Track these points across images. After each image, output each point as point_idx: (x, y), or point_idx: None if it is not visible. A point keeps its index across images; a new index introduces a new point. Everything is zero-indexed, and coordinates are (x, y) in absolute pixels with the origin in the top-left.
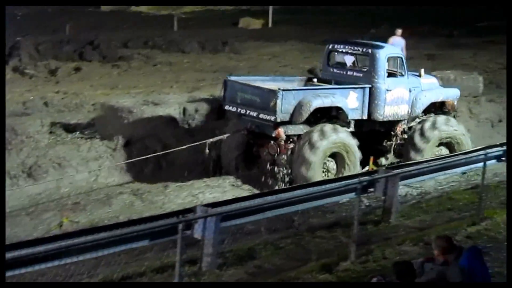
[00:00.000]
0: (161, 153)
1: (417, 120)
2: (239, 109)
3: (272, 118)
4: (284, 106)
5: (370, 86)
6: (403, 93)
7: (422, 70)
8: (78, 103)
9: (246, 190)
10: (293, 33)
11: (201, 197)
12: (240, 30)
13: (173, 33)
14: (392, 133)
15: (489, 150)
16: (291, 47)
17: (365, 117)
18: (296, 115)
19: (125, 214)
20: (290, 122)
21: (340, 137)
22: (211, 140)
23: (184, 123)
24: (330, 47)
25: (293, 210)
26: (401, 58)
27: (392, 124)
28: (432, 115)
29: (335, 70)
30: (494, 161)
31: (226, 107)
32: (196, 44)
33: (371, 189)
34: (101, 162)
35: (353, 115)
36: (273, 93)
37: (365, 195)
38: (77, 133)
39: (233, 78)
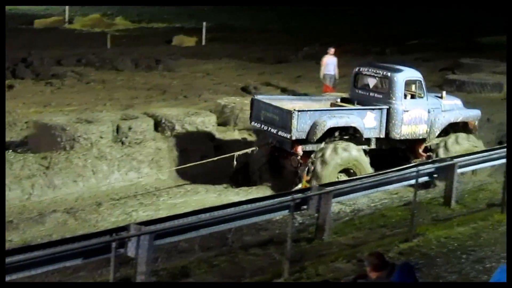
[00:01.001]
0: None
1: (439, 138)
2: (262, 126)
3: (288, 136)
4: (300, 125)
5: (388, 107)
6: (421, 114)
7: (444, 92)
8: (11, 120)
9: (181, 208)
10: (227, 50)
11: (134, 215)
12: (173, 47)
13: (106, 50)
14: (413, 151)
15: (421, 167)
16: (224, 65)
17: (382, 135)
18: (311, 133)
19: (58, 232)
20: (306, 139)
21: (352, 154)
22: (238, 153)
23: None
24: (357, 70)
25: (226, 227)
26: (420, 81)
27: (412, 143)
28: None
29: (359, 92)
30: (426, 177)
31: (252, 123)
32: (129, 62)
33: (304, 206)
34: (34, 180)
35: (369, 134)
36: (289, 113)
37: (298, 212)
38: (10, 151)
39: (259, 97)
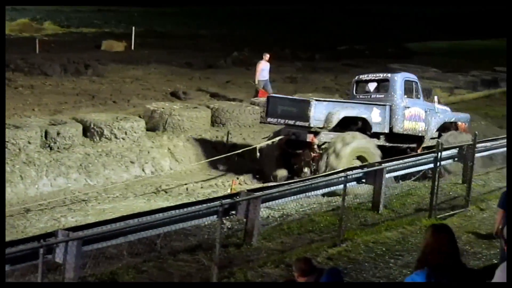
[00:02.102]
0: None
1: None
2: (279, 120)
3: (307, 124)
4: (316, 114)
5: (390, 104)
6: (419, 112)
7: (436, 97)
8: None
9: (109, 214)
10: (156, 56)
11: (63, 220)
12: (102, 52)
13: (35, 55)
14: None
15: (349, 173)
16: (153, 70)
17: (387, 130)
18: (327, 122)
19: None
20: (321, 128)
21: (361, 142)
22: (261, 144)
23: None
24: (356, 78)
25: (155, 233)
26: (417, 82)
27: (412, 141)
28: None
29: (360, 96)
30: (354, 182)
31: (268, 119)
32: (58, 67)
33: (233, 212)
34: None
35: (376, 128)
36: (307, 102)
37: (227, 217)
38: None
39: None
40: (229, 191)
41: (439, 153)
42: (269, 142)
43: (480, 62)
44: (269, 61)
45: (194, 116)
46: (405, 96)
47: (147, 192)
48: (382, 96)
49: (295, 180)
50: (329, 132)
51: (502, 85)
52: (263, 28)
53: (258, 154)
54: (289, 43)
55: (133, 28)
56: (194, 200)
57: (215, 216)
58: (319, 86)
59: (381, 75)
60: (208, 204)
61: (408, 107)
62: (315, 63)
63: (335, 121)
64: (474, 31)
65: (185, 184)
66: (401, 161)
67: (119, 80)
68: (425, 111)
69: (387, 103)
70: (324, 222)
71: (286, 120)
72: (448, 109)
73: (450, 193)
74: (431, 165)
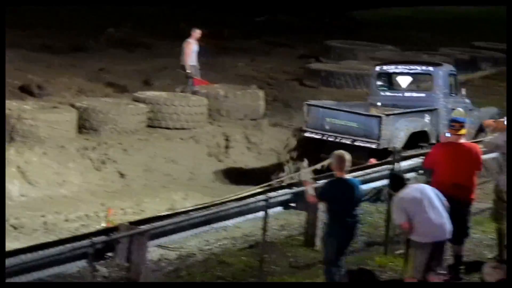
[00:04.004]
0: None
1: None
2: (326, 136)
3: (374, 146)
4: (385, 132)
5: (436, 107)
6: (461, 113)
7: (464, 90)
8: None
9: None
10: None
11: None
12: None
13: None
14: None
15: (271, 194)
16: None
17: (434, 141)
18: (395, 141)
19: None
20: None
21: None
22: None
23: None
24: (379, 68)
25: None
26: (456, 75)
27: None
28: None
29: (387, 94)
30: (279, 208)
31: (307, 134)
32: None
33: (110, 254)
34: None
35: (431, 139)
36: (378, 119)
37: (102, 262)
38: None
39: (314, 102)
40: (104, 224)
41: (396, 164)
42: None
43: (453, 36)
44: (198, 40)
45: (54, 119)
46: (449, 94)
47: None
48: (423, 95)
49: (195, 207)
50: None
51: (483, 66)
52: None
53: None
54: (184, 15)
55: None
56: (56, 239)
57: (84, 260)
58: (229, 74)
59: (418, 68)
60: (74, 244)
61: (453, 109)
62: (223, 41)
63: (404, 139)
64: None
65: (43, 216)
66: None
67: None
68: (465, 110)
69: (433, 107)
70: (238, 265)
71: (338, 138)
72: (468, 101)
73: None
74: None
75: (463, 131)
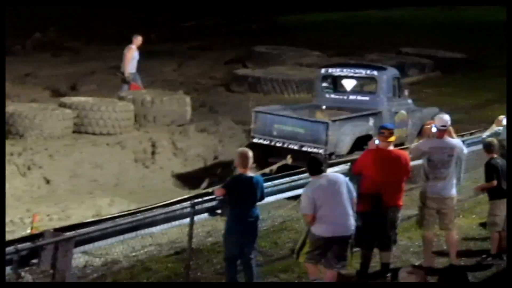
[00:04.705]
0: None
1: None
2: (274, 142)
3: (321, 151)
4: (331, 138)
5: (380, 110)
6: (404, 116)
7: (407, 91)
8: None
9: None
10: None
11: None
12: None
13: None
14: None
15: (198, 200)
16: None
17: None
18: (341, 145)
19: None
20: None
21: None
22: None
23: None
24: (324, 71)
25: None
26: (399, 78)
27: None
28: None
29: (332, 96)
30: (206, 215)
31: (255, 140)
32: None
33: (35, 261)
34: None
35: None
36: (325, 124)
37: (27, 268)
38: None
39: (261, 108)
40: (29, 230)
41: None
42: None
43: (380, 41)
44: (139, 46)
45: None
46: (393, 97)
47: None
48: (367, 98)
49: (121, 213)
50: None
51: (410, 73)
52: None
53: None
54: (110, 19)
55: None
56: None
57: (9, 267)
58: (156, 79)
59: (363, 72)
60: None
61: (396, 112)
62: (151, 45)
63: (349, 144)
64: None
65: None
66: (270, 183)
67: None
68: (407, 112)
69: (377, 110)
70: (164, 272)
71: (286, 144)
72: (410, 101)
73: None
74: None
75: (392, 138)
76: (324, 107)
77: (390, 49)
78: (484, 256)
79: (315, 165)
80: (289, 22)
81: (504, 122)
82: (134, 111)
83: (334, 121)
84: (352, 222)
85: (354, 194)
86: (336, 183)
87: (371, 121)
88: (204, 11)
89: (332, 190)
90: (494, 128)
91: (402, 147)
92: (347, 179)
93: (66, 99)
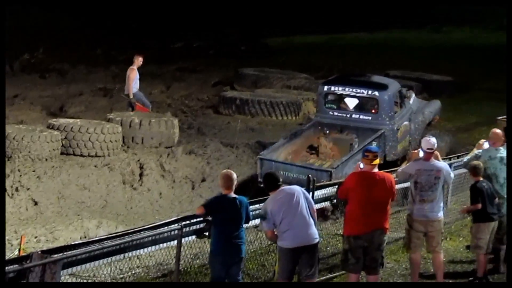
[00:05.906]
0: None
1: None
2: None
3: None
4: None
5: (383, 130)
6: (407, 127)
7: (413, 95)
8: None
9: None
10: None
11: None
12: None
13: None
14: None
15: (186, 222)
16: None
17: (382, 161)
18: None
19: None
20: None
21: None
22: None
23: None
24: (326, 89)
25: None
26: (401, 90)
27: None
28: None
29: (335, 114)
30: (193, 237)
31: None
32: None
33: (23, 281)
34: None
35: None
36: (326, 173)
37: None
38: None
39: (265, 155)
40: (16, 252)
41: (310, 193)
42: None
43: (367, 64)
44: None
45: None
46: (395, 114)
47: None
48: (370, 118)
49: (108, 235)
50: None
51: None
52: (65, 19)
53: None
54: (100, 40)
55: None
56: None
57: None
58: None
59: (364, 92)
60: None
61: (399, 128)
62: (139, 67)
63: None
64: (359, 21)
65: None
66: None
67: None
68: (409, 120)
69: (381, 130)
70: None
71: None
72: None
73: (327, 248)
74: None
75: (376, 161)
76: (327, 131)
77: (377, 72)
78: (470, 278)
79: (272, 180)
80: (276, 44)
81: (485, 145)
82: (122, 133)
83: (336, 167)
84: (314, 231)
85: (313, 203)
86: (293, 195)
87: (373, 145)
88: (192, 33)
89: (290, 202)
90: (475, 151)
91: (389, 170)
92: (303, 189)
93: (54, 121)
